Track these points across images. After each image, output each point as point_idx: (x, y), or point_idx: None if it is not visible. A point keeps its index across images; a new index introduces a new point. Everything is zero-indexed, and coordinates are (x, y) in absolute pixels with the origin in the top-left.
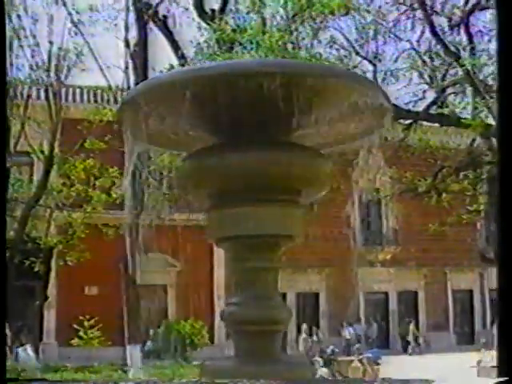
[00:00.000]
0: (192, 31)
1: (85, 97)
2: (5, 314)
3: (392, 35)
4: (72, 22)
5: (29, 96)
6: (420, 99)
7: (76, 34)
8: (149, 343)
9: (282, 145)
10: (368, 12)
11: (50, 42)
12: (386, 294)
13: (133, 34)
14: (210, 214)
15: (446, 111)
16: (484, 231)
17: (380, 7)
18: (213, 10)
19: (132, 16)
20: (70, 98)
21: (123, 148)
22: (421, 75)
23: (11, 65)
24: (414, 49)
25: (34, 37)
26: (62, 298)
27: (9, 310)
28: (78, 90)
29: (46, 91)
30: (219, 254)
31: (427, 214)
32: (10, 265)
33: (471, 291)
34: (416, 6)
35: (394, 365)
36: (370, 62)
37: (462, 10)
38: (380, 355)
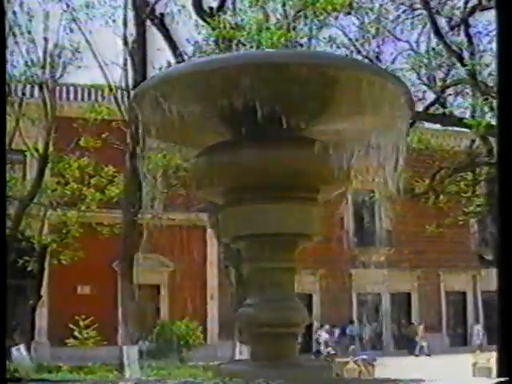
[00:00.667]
0: (189, 29)
1: (79, 95)
2: (5, 313)
3: (392, 35)
4: (69, 18)
5: (24, 93)
6: (420, 100)
7: (72, 31)
8: (142, 343)
9: (300, 141)
10: (370, 10)
11: (46, 39)
12: (379, 295)
13: (131, 31)
14: (225, 211)
15: (447, 111)
16: (478, 233)
17: (381, 5)
18: (211, 8)
19: (131, 13)
20: (66, 95)
21: (119, 146)
22: (420, 76)
23: (6, 62)
24: (413, 50)
25: (30, 33)
26: (54, 297)
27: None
28: (73, 88)
29: (41, 88)
30: (212, 253)
31: (421, 216)
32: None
33: (464, 293)
34: (416, 5)
35: (389, 367)
36: (371, 61)
37: (462, 10)
38: (375, 357)
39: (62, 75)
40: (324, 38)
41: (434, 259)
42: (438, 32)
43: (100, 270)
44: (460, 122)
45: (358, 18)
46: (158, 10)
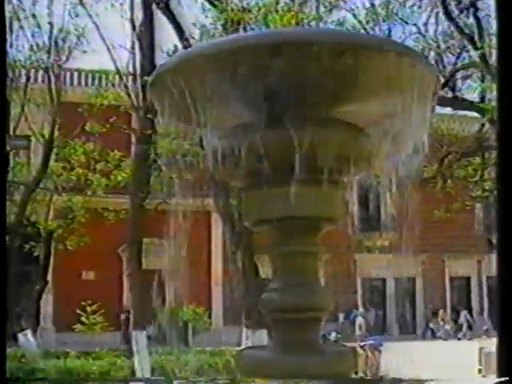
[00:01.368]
0: (195, 13)
1: (85, 80)
2: (5, 313)
3: (400, 19)
4: (74, 2)
5: (28, 78)
6: None
7: (77, 15)
8: (148, 329)
9: (325, 122)
10: None
11: (51, 23)
12: (384, 280)
13: (139, 15)
14: (248, 195)
15: (458, 95)
16: (485, 218)
17: None
18: None
19: None
20: (71, 80)
21: (127, 131)
22: (429, 59)
23: (10, 46)
24: (421, 33)
25: (34, 16)
26: (59, 282)
27: (8, 295)
28: (77, 74)
29: (47, 73)
30: (217, 239)
31: (426, 201)
32: (10, 249)
33: (469, 278)
34: None
35: (395, 352)
36: None
37: None
38: (382, 342)
39: (67, 60)
40: (332, 21)
41: (438, 244)
42: (449, 15)
43: (105, 255)
44: (472, 105)
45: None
46: None
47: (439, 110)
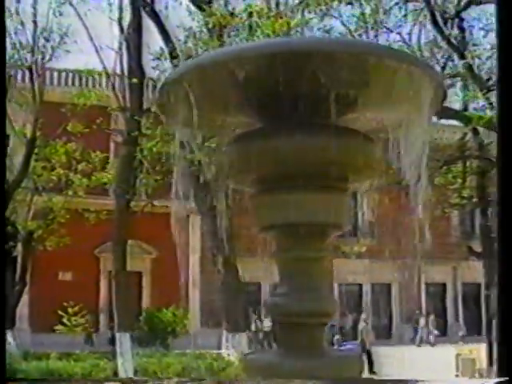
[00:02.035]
0: (179, 16)
1: (69, 80)
2: (4, 313)
3: (385, 26)
4: (59, 1)
5: (10, 77)
6: None
7: (61, 14)
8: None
9: (331, 129)
10: (369, 1)
11: (35, 22)
12: (360, 285)
13: (127, 16)
14: (255, 200)
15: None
16: (463, 225)
17: None
18: None
19: None
20: (56, 80)
21: (113, 132)
22: None
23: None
24: (405, 42)
25: (18, 14)
26: (36, 283)
27: None
28: (60, 73)
29: (30, 72)
30: (195, 241)
31: (403, 207)
32: None
33: (444, 284)
34: None
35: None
36: None
37: (456, 4)
38: (359, 347)
39: (50, 59)
40: (319, 29)
41: (414, 250)
42: (435, 24)
43: (82, 256)
44: (456, 114)
45: (360, 5)
46: None
47: None
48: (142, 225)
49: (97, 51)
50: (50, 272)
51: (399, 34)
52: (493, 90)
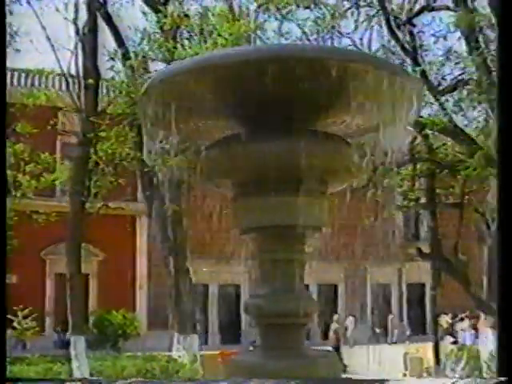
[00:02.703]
0: (131, 17)
1: (15, 80)
2: (5, 313)
3: (338, 31)
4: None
5: None
6: None
7: (11, 13)
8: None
9: (310, 133)
10: (326, 6)
11: None
12: (307, 286)
13: (83, 16)
14: (236, 203)
15: None
16: (402, 226)
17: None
18: None
19: None
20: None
21: (65, 132)
22: None
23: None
24: (356, 47)
25: None
26: None
27: None
28: (12, 73)
29: None
30: (142, 243)
31: (350, 209)
32: None
33: (389, 285)
34: (362, 3)
35: None
36: None
37: (408, 10)
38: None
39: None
40: (274, 31)
41: (360, 252)
42: (391, 29)
43: (28, 258)
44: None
45: (320, 9)
46: None
47: None
48: (87, 227)
49: (54, 51)
50: None
51: (350, 38)
52: (445, 95)
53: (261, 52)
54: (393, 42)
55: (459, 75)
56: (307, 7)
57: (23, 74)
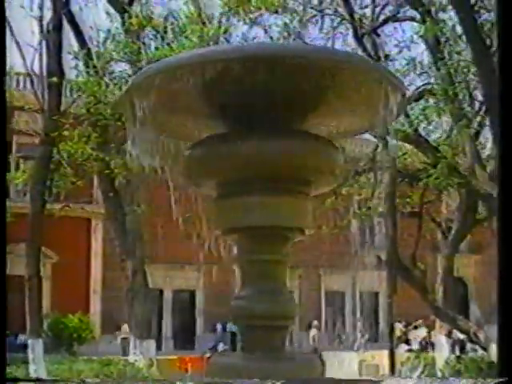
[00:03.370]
0: (96, 17)
1: None
2: (5, 313)
3: (300, 38)
4: None
5: None
6: None
7: None
8: (21, 336)
9: (295, 134)
10: (293, 13)
11: None
12: None
13: (47, 14)
14: (219, 203)
15: None
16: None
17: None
18: None
19: None
20: None
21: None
22: None
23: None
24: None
25: None
26: None
27: None
28: None
29: None
30: (96, 246)
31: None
32: None
33: (343, 293)
34: (327, 11)
35: None
36: None
37: (372, 20)
38: None
39: None
40: (239, 35)
41: (315, 259)
42: (357, 38)
43: None
44: None
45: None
46: None
47: None
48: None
49: (19, 48)
50: None
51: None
52: (410, 103)
53: (245, 51)
54: (359, 51)
55: (423, 85)
56: (275, 12)
57: None
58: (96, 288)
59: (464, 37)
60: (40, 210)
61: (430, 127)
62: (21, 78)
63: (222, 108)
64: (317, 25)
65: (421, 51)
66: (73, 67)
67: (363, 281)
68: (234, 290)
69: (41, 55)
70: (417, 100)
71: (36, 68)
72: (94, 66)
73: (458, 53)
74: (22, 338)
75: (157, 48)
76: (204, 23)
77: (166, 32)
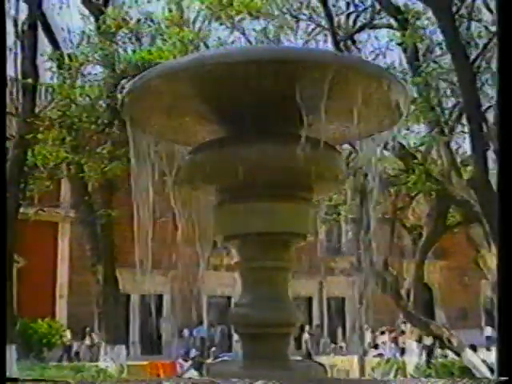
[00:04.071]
0: (70, 19)
1: None
2: (5, 314)
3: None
4: None
5: None
6: None
7: None
8: None
9: (297, 139)
10: (272, 18)
11: None
12: (229, 298)
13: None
14: (219, 209)
15: None
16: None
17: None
18: None
19: None
20: None
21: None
22: None
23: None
24: None
25: None
26: None
27: None
28: None
29: None
30: (63, 250)
31: None
32: None
33: (310, 298)
34: (304, 17)
35: None
36: None
37: (349, 27)
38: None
39: None
40: (214, 40)
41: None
42: (336, 44)
43: None
44: None
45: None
46: None
47: None
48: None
49: None
50: None
51: None
52: None
53: (249, 53)
54: None
55: None
56: (256, 17)
57: None
58: (62, 292)
59: (443, 44)
60: (14, 213)
61: (407, 132)
62: None
63: (223, 112)
64: (294, 31)
65: (396, 58)
66: (47, 69)
67: (329, 286)
68: (200, 295)
69: (16, 56)
70: None
71: (10, 70)
72: (69, 69)
73: (435, 61)
74: None
75: (134, 51)
76: (182, 26)
77: (139, 35)
